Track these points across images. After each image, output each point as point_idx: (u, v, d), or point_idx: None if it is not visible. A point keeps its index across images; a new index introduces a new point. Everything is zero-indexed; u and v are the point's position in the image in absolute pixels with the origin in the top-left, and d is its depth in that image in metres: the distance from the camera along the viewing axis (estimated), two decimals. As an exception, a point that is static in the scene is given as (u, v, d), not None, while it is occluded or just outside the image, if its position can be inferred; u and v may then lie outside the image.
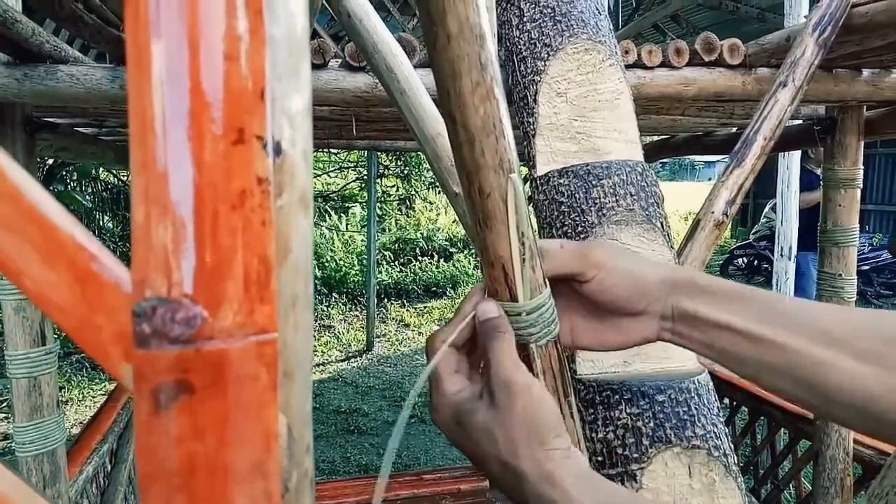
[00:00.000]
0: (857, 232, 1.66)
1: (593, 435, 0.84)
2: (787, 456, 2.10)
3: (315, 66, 1.20)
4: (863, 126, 1.64)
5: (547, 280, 0.57)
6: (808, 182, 4.39)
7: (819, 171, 4.93)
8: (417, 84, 0.94)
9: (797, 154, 3.66)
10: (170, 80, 0.22)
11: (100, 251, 0.25)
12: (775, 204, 5.38)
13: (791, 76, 1.09)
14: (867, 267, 7.17)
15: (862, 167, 1.64)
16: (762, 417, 2.25)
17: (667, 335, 0.53)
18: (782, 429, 2.12)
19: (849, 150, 1.64)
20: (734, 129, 2.44)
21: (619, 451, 0.85)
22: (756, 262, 8.32)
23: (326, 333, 6.69)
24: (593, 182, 1.00)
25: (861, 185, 1.64)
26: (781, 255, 3.80)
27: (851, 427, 0.48)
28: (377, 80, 1.22)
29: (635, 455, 0.84)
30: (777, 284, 3.85)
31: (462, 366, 0.52)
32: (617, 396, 0.87)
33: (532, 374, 0.50)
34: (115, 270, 0.25)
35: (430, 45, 0.50)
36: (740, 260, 8.54)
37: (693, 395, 0.87)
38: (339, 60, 1.25)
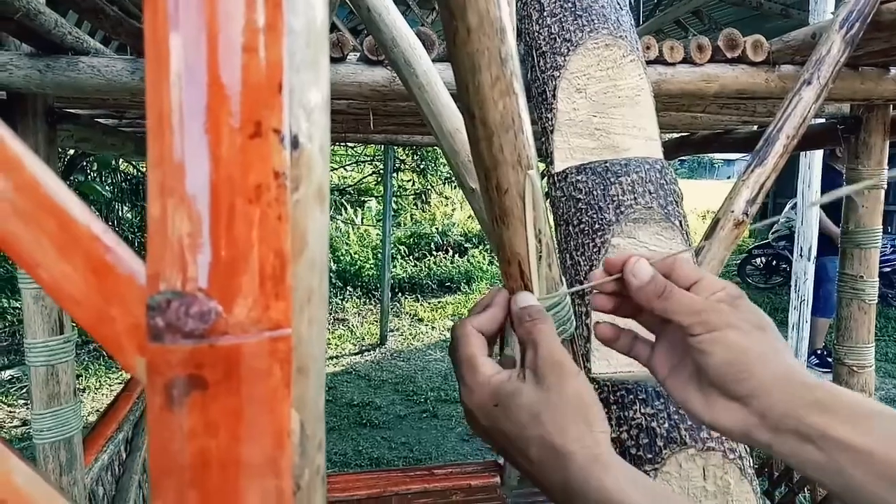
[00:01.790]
0: (881, 233, 1.63)
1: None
2: (803, 459, 2.07)
3: (333, 60, 1.20)
4: (889, 125, 1.61)
5: (563, 277, 0.56)
6: (832, 183, 4.32)
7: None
8: (436, 79, 0.93)
9: (819, 153, 3.61)
10: (187, 72, 0.22)
11: (115, 243, 0.25)
12: (795, 204, 5.30)
13: (816, 73, 1.07)
14: (889, 269, 7.05)
15: (886, 167, 1.61)
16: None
17: (761, 439, 0.45)
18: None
19: (873, 150, 1.61)
20: (755, 127, 2.41)
21: (633, 451, 0.84)
22: (774, 263, 8.21)
23: (340, 326, 6.72)
24: (612, 179, 0.99)
25: (885, 186, 1.61)
26: (801, 255, 3.75)
27: None
28: (395, 75, 1.21)
29: (649, 456, 0.83)
30: (796, 285, 3.80)
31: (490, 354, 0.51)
32: (631, 396, 0.86)
33: None
34: (130, 263, 0.25)
35: (449, 39, 0.49)
36: (758, 260, 8.44)
37: (709, 396, 0.86)
38: (358, 54, 1.25)
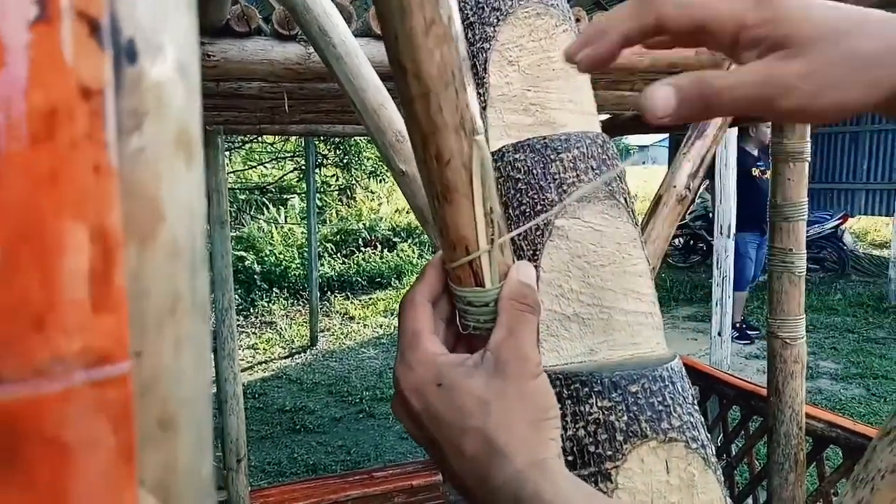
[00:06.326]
0: (806, 206, 1.65)
1: (562, 433, 0.76)
2: (738, 433, 2.10)
3: (240, 35, 1.07)
4: (809, 99, 1.62)
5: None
6: (744, 163, 4.48)
7: (756, 152, 5.05)
8: (355, 48, 0.83)
9: (734, 131, 3.71)
10: None
11: None
12: (709, 184, 5.47)
13: (751, 41, 1.04)
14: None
15: (809, 140, 1.62)
16: (713, 395, 2.26)
17: None
18: (734, 406, 2.12)
19: (797, 123, 1.61)
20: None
21: (592, 448, 0.77)
22: (692, 242, 8.53)
23: (268, 330, 6.48)
24: (552, 156, 0.92)
25: (809, 159, 1.63)
26: (721, 233, 3.86)
27: None
28: (310, 50, 1.10)
29: (609, 452, 0.77)
30: (717, 262, 3.91)
31: (440, 332, 0.46)
32: (587, 389, 0.79)
33: None
34: None
35: (371, -26, 0.40)
36: (677, 240, 8.74)
37: (667, 383, 0.80)
38: (269, 28, 1.13)
